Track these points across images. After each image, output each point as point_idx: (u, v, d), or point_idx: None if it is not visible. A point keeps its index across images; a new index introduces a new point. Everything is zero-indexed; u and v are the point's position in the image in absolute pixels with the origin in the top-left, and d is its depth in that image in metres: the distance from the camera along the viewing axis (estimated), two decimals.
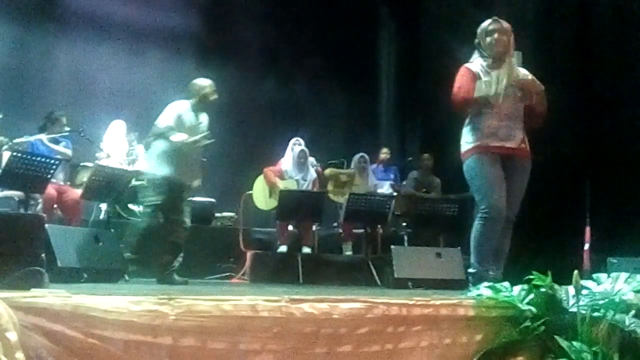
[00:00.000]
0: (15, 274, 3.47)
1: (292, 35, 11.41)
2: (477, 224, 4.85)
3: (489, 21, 5.00)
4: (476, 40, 5.06)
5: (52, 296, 3.02)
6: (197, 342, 3.25)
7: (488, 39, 4.93)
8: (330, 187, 9.24)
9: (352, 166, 9.49)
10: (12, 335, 2.75)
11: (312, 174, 8.74)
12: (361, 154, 9.55)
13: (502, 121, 4.82)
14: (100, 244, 6.17)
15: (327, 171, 9.30)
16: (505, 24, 4.98)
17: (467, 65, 5.01)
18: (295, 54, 11.40)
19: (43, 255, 4.16)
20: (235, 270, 8.05)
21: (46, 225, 5.23)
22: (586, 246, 9.28)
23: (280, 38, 11.41)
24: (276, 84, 11.34)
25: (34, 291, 3.20)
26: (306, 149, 8.68)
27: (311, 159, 8.87)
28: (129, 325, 3.08)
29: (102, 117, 9.02)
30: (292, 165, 8.57)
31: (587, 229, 9.44)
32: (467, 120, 4.95)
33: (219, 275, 7.95)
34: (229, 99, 10.97)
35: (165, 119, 6.43)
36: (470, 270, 4.98)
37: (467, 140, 4.92)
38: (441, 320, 4.14)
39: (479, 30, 5.04)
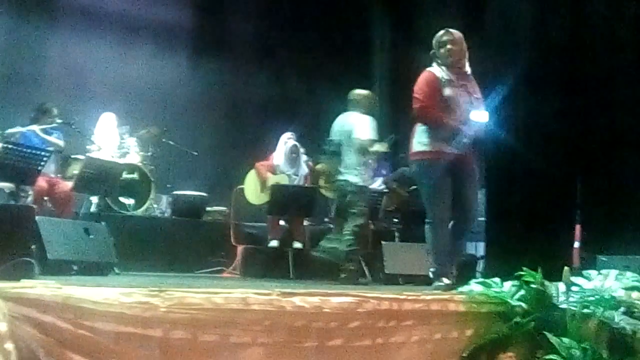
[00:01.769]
0: (4, 264, 3.46)
1: (285, 30, 11.39)
2: (426, 229, 5.10)
3: (441, 32, 5.20)
4: (432, 51, 5.22)
5: (42, 287, 3.02)
6: (188, 334, 3.25)
7: (442, 50, 5.13)
8: (321, 182, 9.22)
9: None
10: (2, 326, 2.75)
11: (304, 169, 8.72)
12: None
13: (457, 127, 4.97)
14: (91, 236, 6.13)
15: (319, 166, 9.28)
16: (457, 34, 5.22)
17: (431, 70, 5.13)
18: (288, 49, 11.38)
19: (33, 246, 4.15)
20: (226, 264, 8.04)
21: (36, 217, 5.22)
22: (576, 244, 9.31)
23: (273, 32, 11.39)
24: (269, 78, 11.32)
25: (24, 282, 3.19)
26: (299, 144, 8.67)
27: (304, 156, 8.85)
28: (120, 317, 3.07)
29: (93, 109, 8.98)
30: (284, 160, 8.54)
31: (578, 227, 9.47)
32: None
33: (209, 270, 7.93)
34: (221, 93, 11.00)
35: (366, 131, 6.91)
36: (431, 269, 5.19)
37: (421, 141, 5.03)
38: (432, 315, 4.16)
39: (434, 41, 5.20)
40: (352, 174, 6.90)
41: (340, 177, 6.98)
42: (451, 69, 5.10)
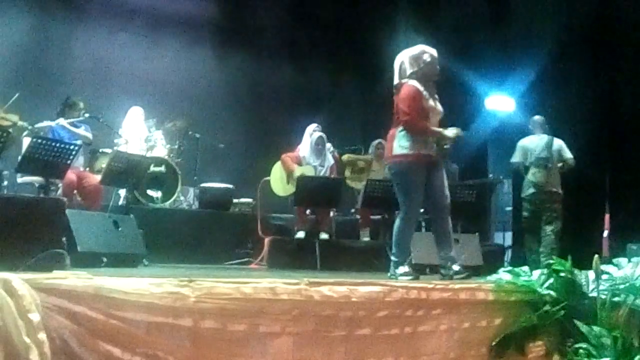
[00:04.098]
0: (37, 256, 3.50)
1: (310, 22, 11.38)
2: (398, 223, 5.43)
3: (433, 51, 5.52)
4: (427, 59, 5.46)
5: (74, 278, 3.05)
6: (218, 324, 3.28)
7: (432, 67, 5.47)
8: (347, 173, 9.21)
9: (370, 152, 9.46)
10: (35, 316, 2.78)
11: (330, 160, 8.70)
12: (379, 140, 9.49)
13: (438, 133, 5.44)
14: (120, 229, 6.19)
15: (345, 157, 9.27)
16: None
17: (415, 85, 5.41)
18: (312, 41, 11.37)
19: (64, 238, 4.19)
20: (254, 256, 8.06)
21: (66, 210, 5.27)
22: (605, 233, 9.25)
23: (298, 25, 11.38)
24: (294, 70, 11.32)
25: (56, 273, 3.23)
26: (324, 135, 8.65)
27: (328, 145, 8.84)
28: (150, 307, 3.10)
29: (120, 103, 9.05)
30: (310, 151, 8.54)
31: (607, 217, 9.40)
32: (401, 127, 5.41)
33: (237, 261, 7.96)
34: (246, 85, 11.03)
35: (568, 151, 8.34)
36: (393, 259, 5.42)
37: (402, 145, 5.39)
38: (460, 304, 4.15)
39: (429, 55, 5.47)
40: (559, 186, 8.13)
41: (552, 189, 8.09)
42: (429, 83, 5.48)
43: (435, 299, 4.05)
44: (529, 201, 8.20)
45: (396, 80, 5.57)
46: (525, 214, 8.26)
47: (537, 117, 8.48)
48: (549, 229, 8.01)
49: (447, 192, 5.54)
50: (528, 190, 8.17)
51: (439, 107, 5.53)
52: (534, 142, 8.26)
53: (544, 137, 8.25)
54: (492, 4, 10.87)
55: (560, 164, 8.19)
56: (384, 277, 5.08)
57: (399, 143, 5.41)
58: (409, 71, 5.49)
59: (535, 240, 8.12)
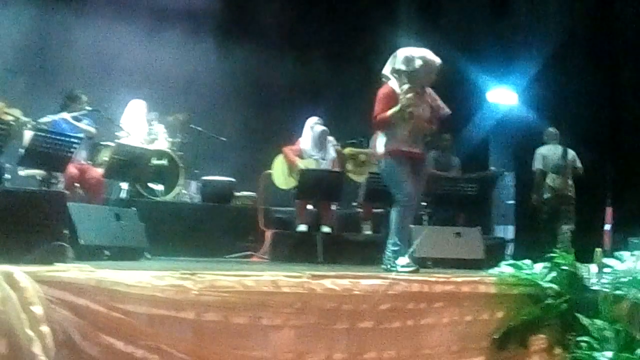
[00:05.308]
0: (39, 249, 3.50)
1: (311, 15, 11.35)
2: (396, 211, 5.52)
3: (436, 60, 5.53)
4: (417, 66, 5.47)
5: (76, 270, 3.05)
6: (220, 317, 3.28)
7: (427, 77, 5.52)
8: (349, 166, 9.20)
9: (371, 145, 9.44)
10: (38, 309, 2.79)
11: (332, 153, 8.68)
12: None
13: (410, 133, 5.53)
14: (122, 222, 6.18)
15: (346, 150, 9.25)
16: None
17: (392, 87, 5.53)
18: (313, 33, 11.34)
19: (66, 231, 4.19)
20: (255, 249, 8.05)
21: (68, 203, 5.27)
22: (607, 227, 9.25)
23: (299, 17, 11.35)
24: (295, 63, 11.29)
25: (58, 265, 3.23)
26: (327, 129, 8.63)
27: (331, 138, 8.82)
28: (153, 299, 3.11)
29: (122, 96, 9.03)
30: (312, 145, 8.52)
31: (609, 210, 9.40)
32: None
33: (239, 254, 7.94)
34: (248, 78, 11.00)
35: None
36: (393, 248, 5.41)
37: (383, 143, 5.60)
38: (463, 298, 4.15)
39: (422, 64, 5.48)
40: (573, 190, 8.95)
41: (567, 193, 8.92)
42: (419, 88, 5.52)
43: (437, 292, 4.06)
44: (547, 204, 8.96)
45: (385, 70, 5.65)
46: (544, 216, 8.97)
47: (552, 129, 9.18)
48: (565, 228, 8.82)
49: (420, 199, 5.90)
50: (546, 195, 8.97)
51: (426, 112, 5.55)
52: (552, 151, 9.09)
53: (559, 147, 9.05)
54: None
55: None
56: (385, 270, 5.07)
57: (380, 142, 5.64)
58: (396, 66, 5.56)
59: (549, 240, 8.40)
